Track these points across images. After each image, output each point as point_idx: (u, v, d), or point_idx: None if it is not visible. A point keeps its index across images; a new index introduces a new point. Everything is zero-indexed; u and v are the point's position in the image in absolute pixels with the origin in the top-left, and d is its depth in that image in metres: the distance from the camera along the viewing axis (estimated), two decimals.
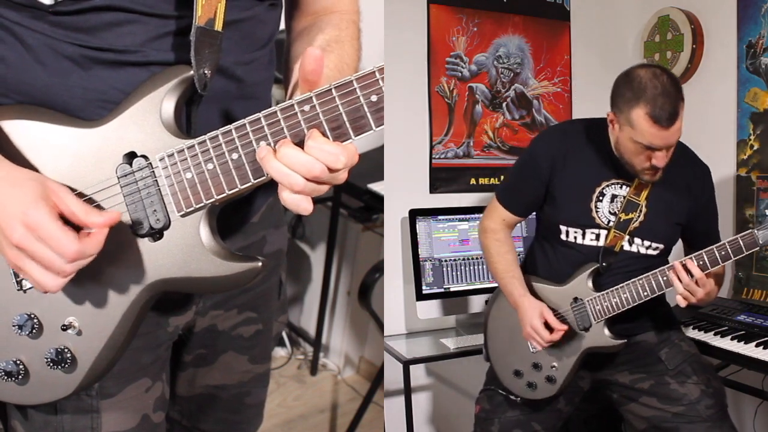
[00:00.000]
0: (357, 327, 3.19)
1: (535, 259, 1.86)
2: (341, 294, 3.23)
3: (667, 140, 1.57)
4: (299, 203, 0.85)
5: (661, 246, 1.73)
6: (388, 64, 2.45)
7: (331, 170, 0.83)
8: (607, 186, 1.72)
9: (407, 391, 2.18)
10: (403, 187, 2.54)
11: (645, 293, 1.64)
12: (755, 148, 2.40)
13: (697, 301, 1.59)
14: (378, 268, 2.49)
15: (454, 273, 2.48)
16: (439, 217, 2.48)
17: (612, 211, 1.71)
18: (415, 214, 2.45)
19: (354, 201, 2.62)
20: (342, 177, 0.86)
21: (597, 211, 1.72)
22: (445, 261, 2.47)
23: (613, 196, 1.72)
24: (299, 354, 3.35)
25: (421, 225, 2.45)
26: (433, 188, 2.61)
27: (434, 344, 2.38)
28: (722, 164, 2.47)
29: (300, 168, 0.82)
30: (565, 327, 1.69)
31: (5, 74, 0.97)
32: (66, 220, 0.86)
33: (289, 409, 2.96)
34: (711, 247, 1.57)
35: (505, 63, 2.71)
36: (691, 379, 1.72)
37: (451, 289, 2.48)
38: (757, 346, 1.90)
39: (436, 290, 2.46)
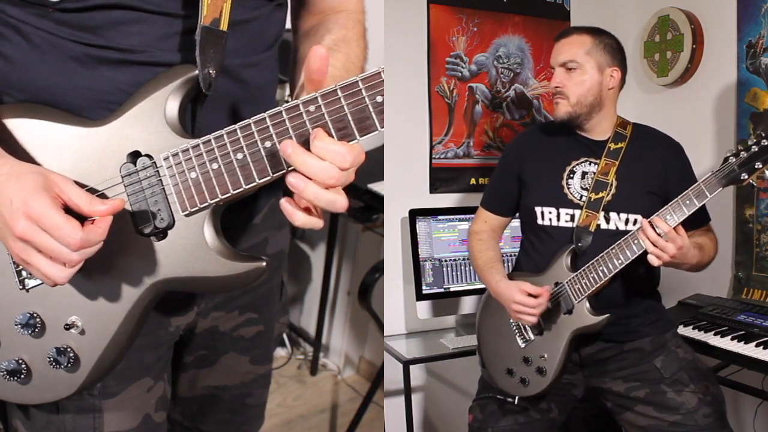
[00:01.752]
0: (357, 327, 3.19)
1: (519, 257, 1.90)
2: (341, 294, 3.23)
3: (555, 53, 1.80)
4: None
5: (638, 217, 1.69)
6: (388, 65, 2.45)
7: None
8: (577, 164, 1.77)
9: (407, 391, 2.18)
10: (403, 187, 2.54)
11: (619, 261, 1.60)
12: None
13: (671, 258, 1.53)
14: (378, 268, 2.49)
15: (454, 273, 2.48)
16: (439, 217, 2.49)
17: (584, 187, 1.74)
18: (415, 214, 2.45)
19: (354, 201, 2.62)
20: (350, 177, 0.86)
21: (569, 187, 1.75)
22: (445, 261, 2.47)
23: (584, 173, 1.76)
24: (299, 354, 3.35)
25: (421, 225, 2.45)
26: (433, 188, 2.61)
27: (434, 344, 2.38)
28: None
29: (317, 173, 0.83)
30: (547, 287, 1.68)
31: (9, 72, 0.97)
32: (70, 211, 0.85)
33: (289, 409, 2.97)
34: (675, 199, 1.54)
35: (505, 63, 2.72)
36: (688, 387, 1.69)
37: (451, 289, 2.48)
38: (757, 346, 1.89)
39: (436, 290, 2.46)
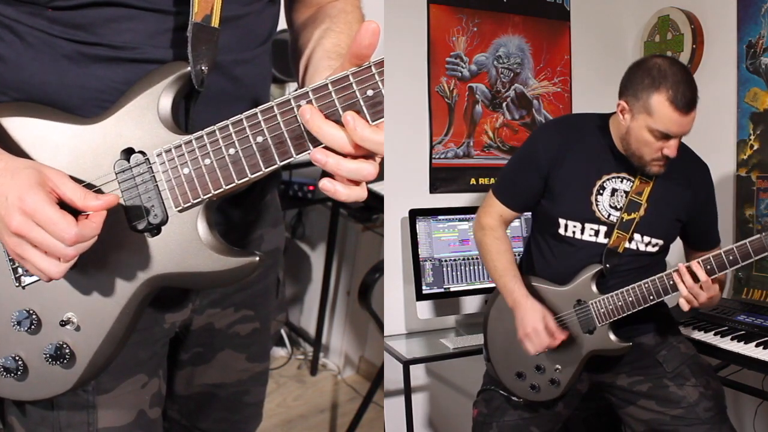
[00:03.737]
0: (357, 327, 3.19)
1: (532, 258, 1.83)
2: (341, 294, 3.24)
3: (684, 127, 1.58)
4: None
5: (660, 242, 1.72)
6: (388, 64, 2.44)
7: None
8: (608, 179, 1.71)
9: (407, 391, 2.17)
10: (403, 187, 2.54)
11: (651, 297, 1.62)
12: (755, 148, 2.40)
13: (699, 305, 1.58)
14: (378, 268, 2.50)
15: (454, 273, 2.48)
16: (439, 217, 2.48)
17: (612, 205, 1.70)
18: (415, 214, 2.45)
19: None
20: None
21: (597, 204, 1.70)
22: (445, 261, 2.47)
23: (614, 190, 1.71)
24: (299, 354, 3.36)
25: (421, 225, 2.45)
26: (433, 188, 2.61)
27: (434, 344, 2.38)
28: (722, 164, 2.47)
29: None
30: (566, 334, 1.67)
31: (3, 71, 0.97)
32: (64, 206, 0.86)
33: (289, 409, 2.97)
34: (719, 251, 1.55)
35: (505, 63, 2.72)
36: (689, 381, 1.71)
37: (451, 289, 2.48)
38: (757, 346, 1.89)
39: (436, 290, 2.46)
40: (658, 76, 1.56)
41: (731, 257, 1.54)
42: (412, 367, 2.22)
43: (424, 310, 2.57)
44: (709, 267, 1.55)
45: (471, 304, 2.61)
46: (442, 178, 2.62)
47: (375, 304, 2.54)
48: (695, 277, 1.56)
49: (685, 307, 1.57)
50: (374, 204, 2.53)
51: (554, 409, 1.80)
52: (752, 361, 1.86)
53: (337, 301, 3.26)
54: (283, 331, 3.23)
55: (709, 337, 2.01)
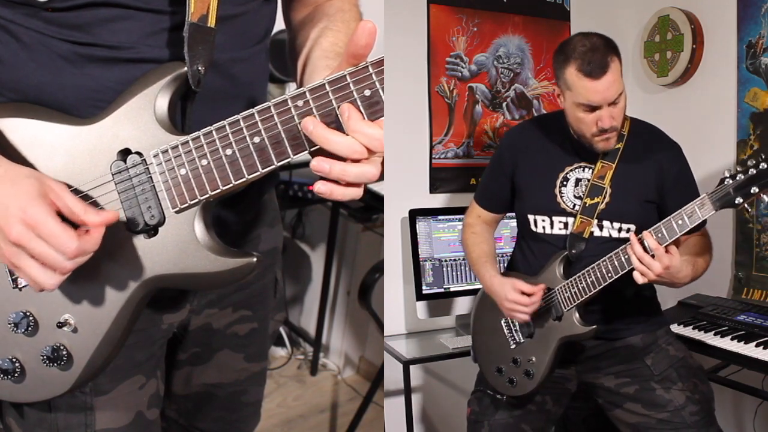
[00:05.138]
0: (357, 327, 3.19)
1: (515, 258, 1.88)
2: (341, 294, 3.24)
3: (603, 94, 1.56)
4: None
5: (632, 227, 1.67)
6: (388, 64, 2.44)
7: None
8: (571, 170, 1.73)
9: (407, 391, 2.18)
10: (403, 187, 2.54)
11: (609, 274, 1.58)
12: (755, 148, 2.39)
13: (657, 277, 1.48)
14: (378, 268, 2.50)
15: (454, 273, 2.48)
16: (439, 217, 2.49)
17: (577, 195, 1.70)
18: (415, 214, 2.45)
19: (354, 201, 2.62)
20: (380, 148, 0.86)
21: (562, 196, 1.71)
22: (445, 261, 2.47)
23: (577, 180, 1.71)
24: (299, 354, 3.35)
25: (421, 225, 2.45)
26: (433, 188, 2.61)
27: (434, 344, 2.38)
28: (722, 164, 2.47)
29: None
30: (542, 286, 1.66)
31: (0, 72, 0.97)
32: (63, 218, 0.86)
33: (289, 409, 2.97)
34: (668, 217, 1.50)
35: (505, 63, 2.71)
36: (676, 385, 1.69)
37: (451, 289, 2.48)
38: (757, 346, 1.89)
39: (436, 290, 2.46)
40: (569, 50, 1.59)
41: (680, 221, 1.48)
42: (412, 367, 2.22)
43: (424, 310, 2.57)
44: (660, 235, 1.49)
45: (470, 305, 2.61)
46: (442, 178, 2.62)
47: (375, 304, 2.54)
48: (647, 247, 1.50)
49: (639, 279, 1.50)
50: (374, 204, 2.53)
51: (544, 407, 1.80)
52: (752, 361, 1.86)
53: (337, 301, 3.26)
54: (283, 331, 3.22)
55: (709, 337, 2.01)
